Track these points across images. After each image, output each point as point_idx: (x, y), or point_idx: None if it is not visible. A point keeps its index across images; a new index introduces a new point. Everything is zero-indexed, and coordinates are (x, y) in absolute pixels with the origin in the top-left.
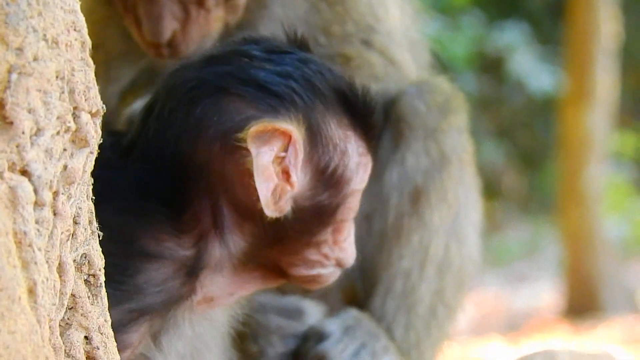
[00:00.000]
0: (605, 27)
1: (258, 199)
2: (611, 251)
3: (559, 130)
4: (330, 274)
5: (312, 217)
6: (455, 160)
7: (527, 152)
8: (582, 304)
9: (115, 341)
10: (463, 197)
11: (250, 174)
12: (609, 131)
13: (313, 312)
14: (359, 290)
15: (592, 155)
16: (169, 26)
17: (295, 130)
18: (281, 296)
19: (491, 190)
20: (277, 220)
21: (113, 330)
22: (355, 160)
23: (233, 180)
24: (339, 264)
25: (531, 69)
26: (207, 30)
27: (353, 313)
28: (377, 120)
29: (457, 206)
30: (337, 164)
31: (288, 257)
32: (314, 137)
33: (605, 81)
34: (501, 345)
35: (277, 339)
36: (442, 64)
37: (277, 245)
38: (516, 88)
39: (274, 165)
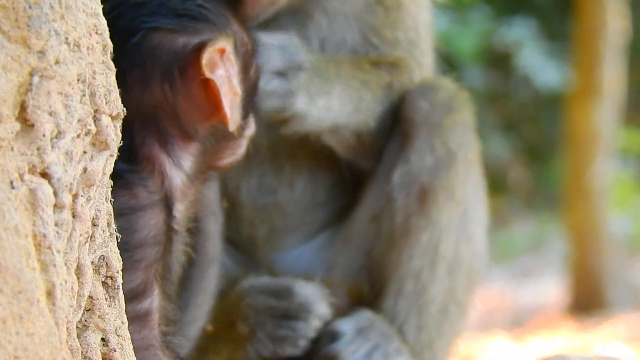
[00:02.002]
0: (613, 24)
1: (205, 118)
2: (617, 248)
3: (566, 125)
4: (243, 148)
5: (247, 113)
6: (461, 157)
7: (534, 148)
8: (587, 301)
9: (131, 296)
10: (471, 195)
11: (197, 97)
12: (615, 127)
13: (303, 292)
14: (365, 290)
15: (599, 151)
16: None
17: (227, 44)
18: (270, 277)
19: (497, 185)
20: (214, 132)
21: (129, 290)
22: (254, 55)
23: (180, 109)
24: (249, 137)
25: (539, 64)
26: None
27: (366, 314)
28: None
29: (465, 204)
30: (253, 62)
31: (225, 152)
32: (238, 45)
33: (612, 77)
34: (506, 343)
35: (268, 320)
36: (449, 59)
37: (219, 148)
38: (523, 83)
39: (227, 82)
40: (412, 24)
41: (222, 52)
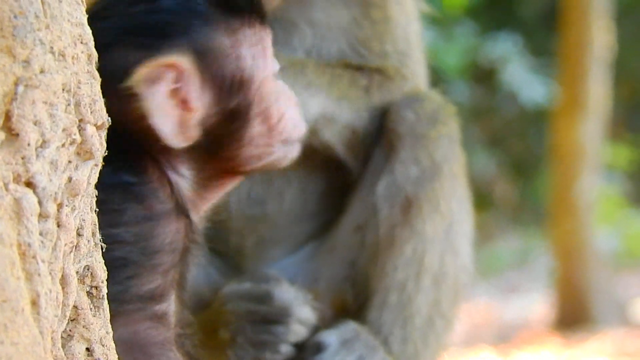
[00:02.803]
0: (599, 39)
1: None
2: (603, 263)
3: (551, 141)
4: (285, 153)
5: (232, 124)
6: (446, 169)
7: (519, 163)
8: (573, 316)
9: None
10: (456, 208)
11: (138, 113)
12: (601, 142)
13: (282, 296)
14: (349, 301)
15: (584, 167)
16: None
17: (179, 58)
18: (250, 282)
19: (483, 200)
20: (205, 140)
21: (148, 291)
22: (250, 56)
23: (137, 124)
24: (286, 142)
25: (524, 79)
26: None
27: (352, 325)
28: None
29: (451, 217)
30: (234, 71)
31: (236, 160)
32: (204, 57)
33: (598, 92)
34: (492, 358)
35: (248, 325)
36: (435, 74)
37: (220, 157)
38: (509, 98)
39: (170, 99)
40: (402, 36)
41: (170, 66)
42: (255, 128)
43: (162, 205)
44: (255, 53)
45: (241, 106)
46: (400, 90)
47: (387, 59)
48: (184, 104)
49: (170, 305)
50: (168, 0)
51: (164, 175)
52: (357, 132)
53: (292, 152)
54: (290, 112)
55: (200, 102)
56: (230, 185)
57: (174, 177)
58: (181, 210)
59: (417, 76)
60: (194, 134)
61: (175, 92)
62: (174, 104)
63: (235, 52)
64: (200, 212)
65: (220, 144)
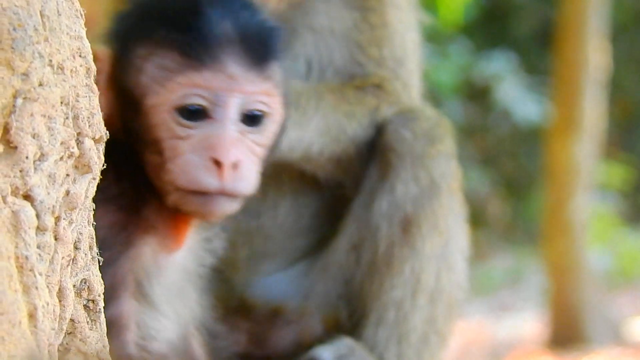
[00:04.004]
0: (593, 58)
1: None
2: (596, 282)
3: (545, 160)
4: (194, 203)
5: (131, 133)
6: (445, 187)
7: (513, 181)
8: (566, 335)
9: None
10: (453, 225)
11: None
12: (595, 162)
13: None
14: (343, 318)
15: (578, 186)
16: None
17: (103, 52)
18: None
19: (476, 218)
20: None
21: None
22: (151, 76)
23: None
24: (177, 188)
25: (518, 98)
26: (268, 5)
27: (346, 341)
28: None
29: (448, 233)
30: (131, 82)
31: (157, 182)
32: (117, 59)
33: (592, 112)
34: None
35: None
36: (429, 92)
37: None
38: (502, 117)
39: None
40: (399, 42)
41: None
42: (152, 155)
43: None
44: (159, 77)
45: (134, 122)
46: (397, 103)
47: (384, 66)
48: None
49: (123, 310)
50: None
51: (120, 167)
52: (353, 154)
53: (210, 207)
54: (191, 162)
55: (105, 94)
56: (187, 224)
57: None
58: (127, 206)
59: (410, 87)
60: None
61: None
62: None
63: (140, 64)
64: (179, 240)
65: (137, 155)
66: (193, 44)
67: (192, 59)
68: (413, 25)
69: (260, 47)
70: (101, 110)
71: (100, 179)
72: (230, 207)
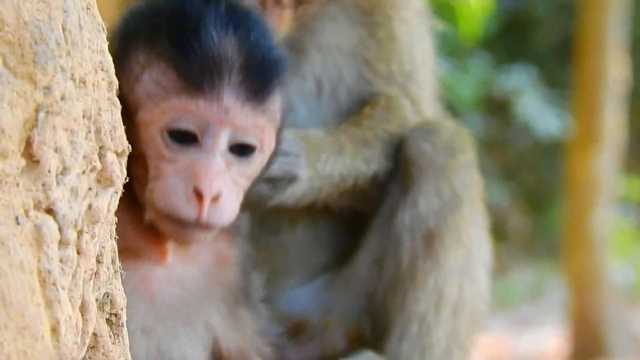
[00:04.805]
0: (613, 71)
1: None
2: (617, 296)
3: (566, 173)
4: (170, 228)
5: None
6: (467, 199)
7: (533, 195)
8: (587, 349)
9: None
10: (475, 236)
11: None
12: (616, 175)
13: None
14: (366, 332)
15: (599, 199)
16: None
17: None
18: None
19: (496, 232)
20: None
21: None
22: (147, 90)
23: None
24: (155, 209)
25: (538, 111)
26: (280, 28)
27: (369, 354)
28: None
29: (470, 245)
30: (127, 87)
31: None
32: (119, 58)
33: (612, 125)
34: None
35: None
36: (449, 106)
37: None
38: (523, 130)
39: None
40: (407, 56)
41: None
42: (137, 168)
43: None
44: (154, 94)
45: (125, 126)
46: (406, 119)
47: (392, 81)
48: None
49: None
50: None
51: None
52: (372, 187)
53: (184, 236)
54: (172, 188)
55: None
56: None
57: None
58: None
59: (420, 101)
60: None
61: None
62: None
63: (140, 72)
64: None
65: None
66: (192, 68)
67: (189, 83)
68: (423, 35)
69: (261, 79)
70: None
71: None
72: (205, 237)
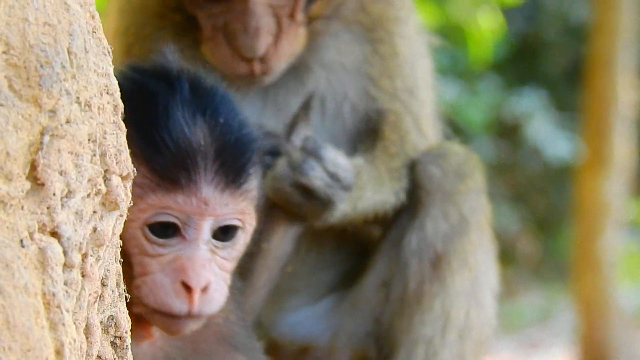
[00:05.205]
0: (623, 95)
1: None
2: (626, 320)
3: (575, 196)
4: (158, 320)
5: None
6: (474, 223)
7: (543, 218)
8: None
9: None
10: (482, 260)
11: None
12: (625, 199)
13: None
14: (372, 355)
15: (608, 223)
16: (265, 40)
17: None
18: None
19: (505, 255)
20: None
21: None
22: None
23: None
24: (144, 305)
25: (548, 135)
26: (295, 46)
27: None
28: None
29: (477, 270)
30: None
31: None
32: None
33: (622, 149)
34: None
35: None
36: (459, 129)
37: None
38: (533, 154)
39: None
40: (409, 72)
41: None
42: (123, 264)
43: None
44: (133, 193)
45: None
46: (407, 140)
47: (396, 98)
48: None
49: None
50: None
51: None
52: (387, 207)
53: (176, 328)
54: (160, 283)
55: None
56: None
57: None
58: None
59: (421, 119)
60: None
61: None
62: None
63: None
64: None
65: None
66: (166, 163)
67: (164, 179)
68: (423, 52)
69: (237, 163)
70: None
71: None
72: (195, 326)
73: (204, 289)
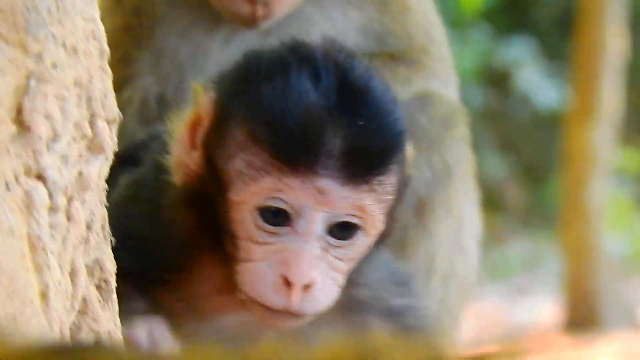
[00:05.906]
0: (612, 44)
1: None
2: (612, 267)
3: (563, 145)
4: (254, 309)
5: (207, 216)
6: (458, 171)
7: (531, 167)
8: (582, 319)
9: None
10: (466, 209)
11: None
12: (613, 147)
13: None
14: None
15: (596, 171)
16: None
17: (207, 104)
18: None
19: (493, 203)
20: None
21: None
22: (239, 171)
23: None
24: (243, 293)
25: (537, 83)
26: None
27: None
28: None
29: (461, 217)
30: (219, 161)
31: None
32: (217, 124)
33: (611, 97)
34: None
35: None
36: None
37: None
38: (522, 102)
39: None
40: (423, 25)
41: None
42: (228, 245)
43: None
44: (246, 175)
45: (217, 203)
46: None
47: (415, 37)
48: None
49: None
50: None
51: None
52: None
53: (271, 321)
54: (261, 273)
55: (199, 151)
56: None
57: None
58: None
59: (437, 71)
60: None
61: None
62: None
63: (234, 151)
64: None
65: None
66: (288, 148)
67: (279, 160)
68: (433, 8)
69: (365, 155)
70: (191, 167)
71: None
72: (294, 323)
73: (307, 287)
